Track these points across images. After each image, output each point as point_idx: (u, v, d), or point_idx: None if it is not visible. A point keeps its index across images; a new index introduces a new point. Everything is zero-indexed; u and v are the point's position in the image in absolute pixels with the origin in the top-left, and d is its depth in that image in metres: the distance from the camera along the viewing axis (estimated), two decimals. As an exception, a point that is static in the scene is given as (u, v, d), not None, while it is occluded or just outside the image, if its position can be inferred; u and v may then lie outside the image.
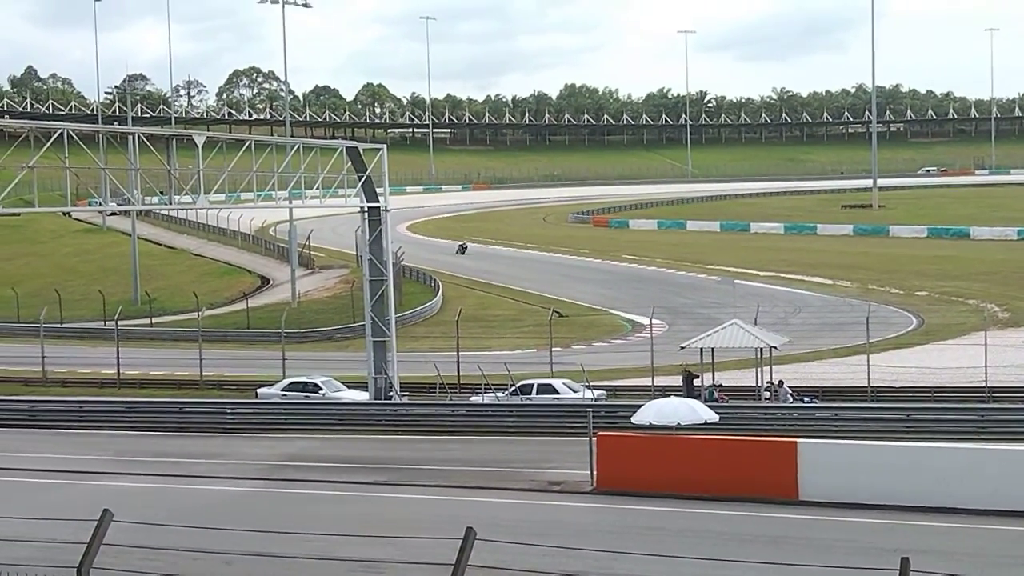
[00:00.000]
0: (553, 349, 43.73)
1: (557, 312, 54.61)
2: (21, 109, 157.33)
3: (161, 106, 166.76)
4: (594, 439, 24.39)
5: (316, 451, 31.41)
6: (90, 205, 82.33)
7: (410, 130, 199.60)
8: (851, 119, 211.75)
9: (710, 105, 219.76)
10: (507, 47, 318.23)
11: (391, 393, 38.24)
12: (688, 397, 31.59)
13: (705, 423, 25.42)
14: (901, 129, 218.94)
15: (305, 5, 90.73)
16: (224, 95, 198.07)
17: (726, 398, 35.80)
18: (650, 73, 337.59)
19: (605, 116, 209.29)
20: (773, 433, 29.99)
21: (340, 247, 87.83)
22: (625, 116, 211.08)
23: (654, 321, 46.84)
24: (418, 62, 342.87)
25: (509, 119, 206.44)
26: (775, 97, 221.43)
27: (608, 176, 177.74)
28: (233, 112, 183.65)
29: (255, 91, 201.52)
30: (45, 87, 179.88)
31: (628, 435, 25.07)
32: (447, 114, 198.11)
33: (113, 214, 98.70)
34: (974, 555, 18.29)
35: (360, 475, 27.28)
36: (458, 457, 29.69)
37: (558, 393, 36.79)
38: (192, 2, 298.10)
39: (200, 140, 34.58)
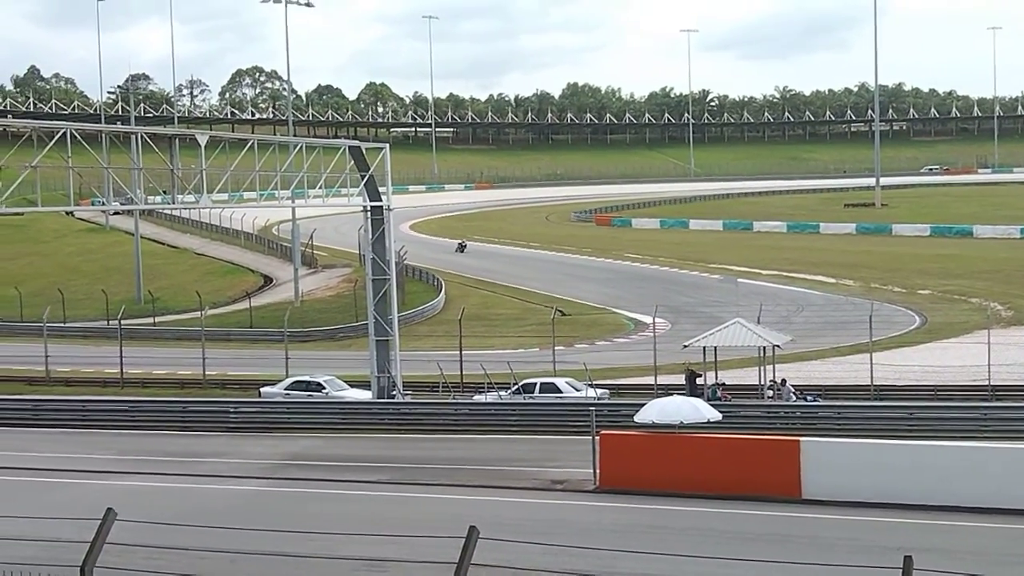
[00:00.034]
0: (556, 348, 43.76)
1: (560, 311, 54.61)
2: (24, 109, 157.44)
3: (164, 106, 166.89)
4: (597, 438, 24.38)
5: (319, 450, 31.41)
6: (93, 204, 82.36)
7: (413, 129, 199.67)
8: (854, 118, 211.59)
9: (713, 104, 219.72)
10: (509, 46, 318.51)
11: (394, 392, 38.26)
12: (691, 396, 31.58)
13: (708, 422, 25.40)
14: (904, 128, 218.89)
15: (308, 5, 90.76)
16: (227, 95, 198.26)
17: (729, 397, 35.79)
18: (653, 72, 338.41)
19: (608, 115, 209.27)
20: (776, 432, 29.97)
21: (343, 246, 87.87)
22: (628, 115, 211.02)
23: (657, 320, 46.88)
24: (420, 61, 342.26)
25: (512, 118, 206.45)
26: (778, 96, 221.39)
27: (611, 175, 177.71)
28: (236, 112, 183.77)
29: (258, 90, 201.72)
30: (48, 87, 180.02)
31: (631, 434, 25.06)
32: (450, 113, 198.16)
33: (116, 213, 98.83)
34: (977, 553, 18.28)
35: (363, 474, 27.29)
36: (461, 456, 29.70)
37: (561, 392, 36.80)
38: (195, 2, 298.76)
39: (203, 139, 34.61)
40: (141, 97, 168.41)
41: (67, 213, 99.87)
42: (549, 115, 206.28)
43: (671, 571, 16.39)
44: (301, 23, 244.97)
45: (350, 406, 37.47)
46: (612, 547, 16.77)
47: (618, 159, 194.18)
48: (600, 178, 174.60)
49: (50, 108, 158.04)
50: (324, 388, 39.11)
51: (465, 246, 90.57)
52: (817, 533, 19.95)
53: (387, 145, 40.54)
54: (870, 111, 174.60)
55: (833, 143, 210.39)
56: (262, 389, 40.78)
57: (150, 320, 63.74)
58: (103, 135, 48.55)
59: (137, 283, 74.32)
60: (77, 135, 31.65)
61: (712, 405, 27.69)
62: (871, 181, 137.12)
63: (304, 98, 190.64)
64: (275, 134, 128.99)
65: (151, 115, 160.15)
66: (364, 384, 39.74)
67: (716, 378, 37.70)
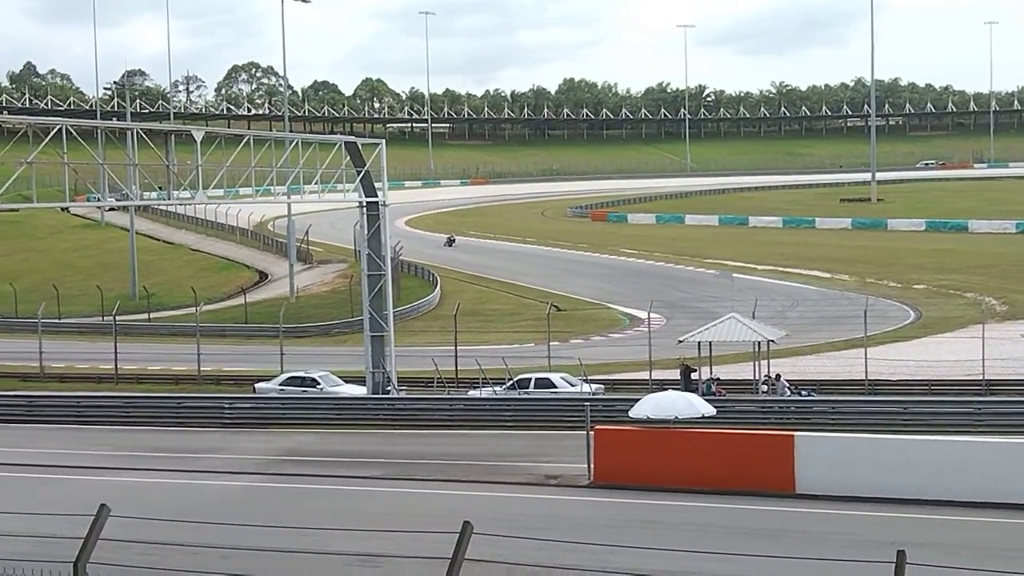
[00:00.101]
0: (551, 343, 43.83)
1: (555, 306, 54.61)
2: (20, 105, 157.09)
3: (160, 101, 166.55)
4: (591, 433, 24.41)
5: (314, 445, 31.42)
6: (88, 200, 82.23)
7: (409, 125, 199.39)
8: (850, 113, 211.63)
9: (709, 99, 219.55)
10: (506, 42, 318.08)
11: (389, 387, 38.27)
12: (686, 391, 31.67)
13: (702, 417, 25.49)
14: (900, 123, 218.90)
15: (304, 0, 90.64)
16: (223, 90, 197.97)
17: (724, 392, 35.83)
18: (649, 67, 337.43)
19: (604, 110, 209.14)
20: (770, 426, 30.01)
21: (338, 242, 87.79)
22: (624, 110, 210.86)
23: (652, 315, 46.91)
24: (417, 57, 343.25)
25: (508, 114, 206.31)
26: (774, 91, 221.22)
27: (607, 170, 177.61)
28: (232, 107, 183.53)
29: (254, 86, 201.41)
30: (44, 83, 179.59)
31: (626, 429, 25.09)
32: (446, 109, 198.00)
33: (111, 209, 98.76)
34: (971, 548, 18.31)
35: (358, 469, 27.31)
36: (455, 451, 29.73)
37: (556, 387, 36.83)
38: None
39: (199, 135, 34.59)
40: (137, 93, 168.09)
41: (62, 209, 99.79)
42: (545, 110, 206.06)
43: (665, 566, 16.39)
44: (297, 19, 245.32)
45: (345, 402, 37.51)
46: (606, 542, 16.78)
47: (614, 154, 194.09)
48: (596, 173, 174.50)
49: (46, 104, 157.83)
50: (319, 384, 39.12)
51: (454, 240, 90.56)
52: (811, 527, 19.99)
53: (383, 141, 40.53)
54: (866, 106, 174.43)
55: (829, 138, 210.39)
56: (257, 385, 40.79)
57: (145, 316, 63.73)
58: (99, 131, 48.56)
59: (132, 279, 74.27)
60: (73, 131, 31.61)
61: (707, 400, 27.77)
62: (867, 176, 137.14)
63: (300, 94, 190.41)
64: (271, 130, 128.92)
65: (147, 111, 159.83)
66: (359, 380, 39.74)
67: (711, 373, 37.77)
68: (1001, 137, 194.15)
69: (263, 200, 44.03)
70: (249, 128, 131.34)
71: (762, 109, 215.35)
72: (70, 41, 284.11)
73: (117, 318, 49.62)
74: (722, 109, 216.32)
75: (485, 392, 37.38)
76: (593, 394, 35.57)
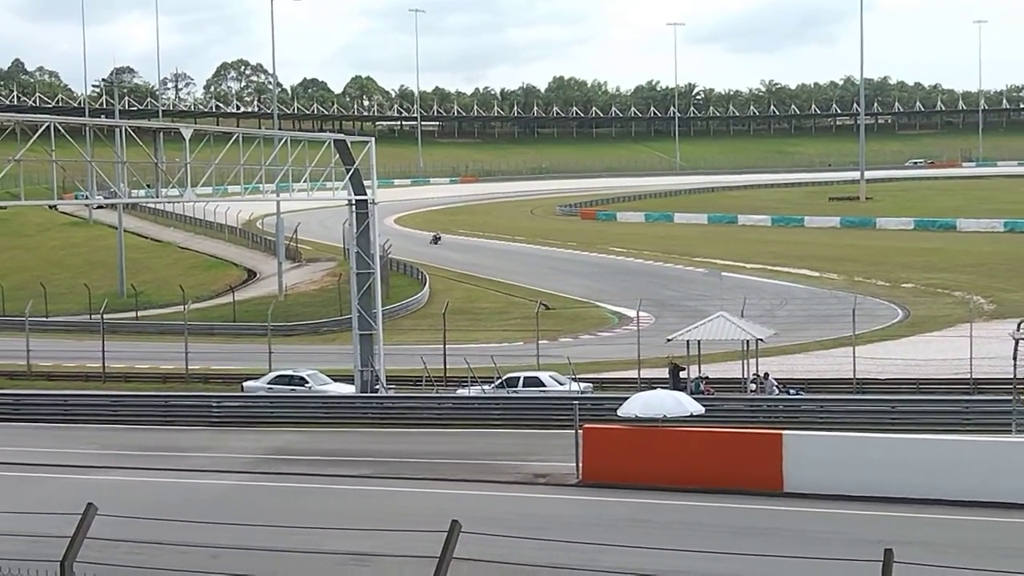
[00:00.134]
0: (540, 342, 43.76)
1: (544, 305, 54.54)
2: (8, 102, 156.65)
3: (148, 99, 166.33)
4: (580, 431, 24.41)
5: (302, 444, 31.38)
6: (76, 198, 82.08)
7: (398, 123, 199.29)
8: (839, 111, 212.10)
9: (698, 97, 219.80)
10: (496, 40, 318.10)
11: (377, 386, 38.23)
12: (674, 389, 31.68)
13: (691, 415, 25.50)
14: (889, 121, 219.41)
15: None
16: (212, 88, 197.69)
17: (712, 390, 35.86)
18: (639, 65, 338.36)
19: (593, 108, 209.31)
20: (759, 425, 30.06)
21: (327, 240, 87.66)
22: (613, 108, 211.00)
23: (641, 313, 46.89)
24: (407, 55, 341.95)
25: (497, 111, 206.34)
26: (763, 89, 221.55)
27: (596, 169, 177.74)
28: (221, 105, 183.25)
29: (243, 84, 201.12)
30: (32, 80, 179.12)
31: (614, 427, 25.10)
32: (435, 107, 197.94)
33: (99, 207, 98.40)
34: (959, 546, 18.35)
35: (346, 468, 27.29)
36: (444, 450, 29.72)
37: (544, 386, 36.84)
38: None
39: (187, 133, 34.50)
40: (125, 91, 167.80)
41: (50, 207, 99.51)
42: (535, 108, 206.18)
43: (654, 565, 16.37)
44: (287, 16, 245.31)
45: (333, 400, 37.48)
46: (595, 541, 16.76)
47: (604, 153, 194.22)
48: (585, 172, 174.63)
49: (34, 102, 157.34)
50: (307, 382, 39.07)
51: (439, 238, 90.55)
52: (799, 526, 20.01)
53: (372, 139, 40.49)
54: (855, 105, 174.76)
55: (818, 137, 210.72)
56: (245, 383, 40.72)
57: (133, 314, 63.53)
58: (87, 129, 48.33)
59: (120, 277, 74.07)
60: (61, 129, 31.54)
61: (695, 399, 27.78)
62: (856, 175, 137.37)
63: (289, 91, 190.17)
64: (260, 128, 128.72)
65: (135, 108, 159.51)
66: (348, 378, 39.69)
67: (699, 372, 37.78)
68: (990, 136, 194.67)
69: (252, 198, 43.95)
70: (238, 126, 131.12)
71: (751, 108, 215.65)
72: (58, 38, 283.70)
73: (105, 316, 49.47)
74: (711, 107, 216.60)
75: (474, 391, 37.37)
76: (582, 393, 35.58)
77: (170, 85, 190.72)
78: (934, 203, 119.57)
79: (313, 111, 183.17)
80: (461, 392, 37.73)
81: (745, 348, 37.00)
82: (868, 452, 22.48)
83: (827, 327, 47.01)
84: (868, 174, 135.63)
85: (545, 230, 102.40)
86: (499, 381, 37.39)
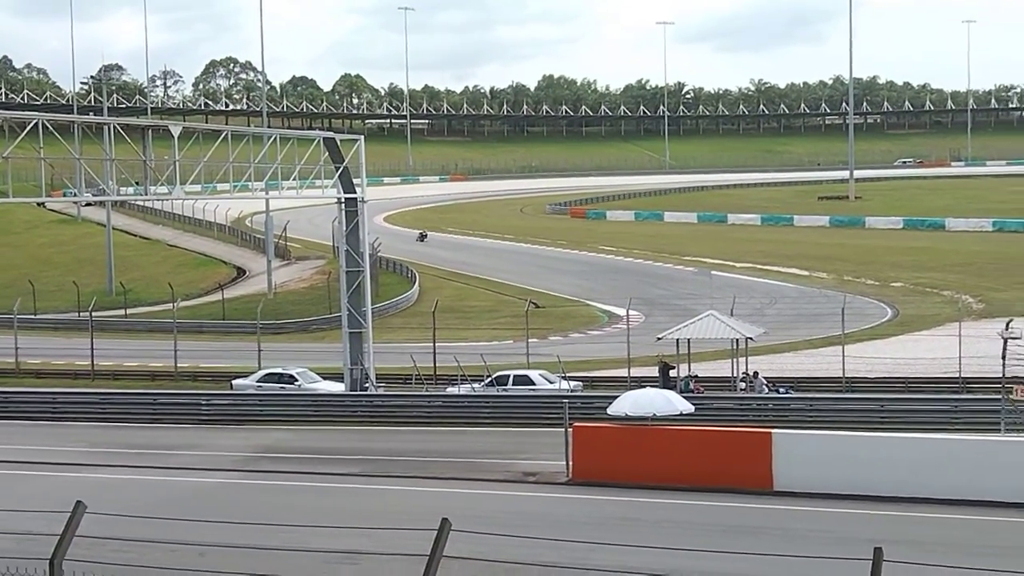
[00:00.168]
0: (530, 340, 43.76)
1: (534, 303, 54.61)
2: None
3: (137, 96, 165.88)
4: (570, 430, 24.41)
5: (291, 442, 31.33)
6: (65, 195, 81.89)
7: (388, 121, 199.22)
8: (828, 111, 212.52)
9: (688, 96, 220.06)
10: (486, 38, 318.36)
11: (367, 384, 38.18)
12: (664, 388, 31.67)
13: (680, 414, 25.48)
14: (878, 121, 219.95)
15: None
16: (201, 85, 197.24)
17: (702, 389, 35.88)
18: (628, 64, 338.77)
19: (583, 107, 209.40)
20: (748, 424, 30.06)
21: (317, 238, 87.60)
22: (603, 107, 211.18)
23: (631, 312, 46.89)
24: (396, 53, 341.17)
25: (487, 110, 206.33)
26: (753, 89, 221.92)
27: (586, 167, 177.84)
28: (210, 103, 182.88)
29: (232, 81, 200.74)
30: (20, 77, 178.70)
31: (604, 426, 25.09)
32: (425, 105, 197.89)
33: (88, 204, 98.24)
34: (948, 545, 18.37)
35: (336, 466, 27.24)
36: (434, 448, 29.67)
37: (534, 384, 36.83)
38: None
39: (176, 130, 34.40)
40: (114, 88, 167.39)
41: (38, 204, 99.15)
42: (525, 107, 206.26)
43: (644, 563, 16.37)
44: (276, 14, 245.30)
45: (323, 398, 37.42)
46: (585, 539, 16.74)
47: (593, 151, 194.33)
48: (575, 170, 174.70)
49: (22, 99, 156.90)
50: (296, 380, 39.01)
51: (426, 236, 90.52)
52: (789, 525, 20.02)
53: (362, 137, 40.42)
54: (844, 104, 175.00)
55: (807, 136, 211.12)
56: (234, 381, 40.62)
57: (122, 312, 63.38)
58: (75, 126, 48.24)
59: (109, 275, 73.91)
60: (49, 126, 31.42)
61: (685, 397, 27.76)
62: (845, 174, 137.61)
63: (278, 89, 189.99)
64: (249, 125, 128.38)
65: (124, 106, 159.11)
66: (337, 376, 39.64)
67: (689, 370, 37.80)
68: (978, 135, 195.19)
69: (241, 196, 43.81)
70: (227, 123, 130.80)
71: (741, 107, 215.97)
72: (47, 35, 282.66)
73: (93, 314, 49.33)
74: (701, 106, 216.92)
75: (464, 389, 37.33)
76: (572, 391, 35.56)
77: (159, 82, 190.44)
78: (923, 202, 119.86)
79: (302, 109, 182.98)
80: (451, 390, 37.70)
81: (735, 347, 37.02)
82: (857, 451, 22.51)
83: (816, 326, 47.10)
84: (857, 173, 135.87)
85: (535, 229, 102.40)
86: (489, 379, 37.36)
